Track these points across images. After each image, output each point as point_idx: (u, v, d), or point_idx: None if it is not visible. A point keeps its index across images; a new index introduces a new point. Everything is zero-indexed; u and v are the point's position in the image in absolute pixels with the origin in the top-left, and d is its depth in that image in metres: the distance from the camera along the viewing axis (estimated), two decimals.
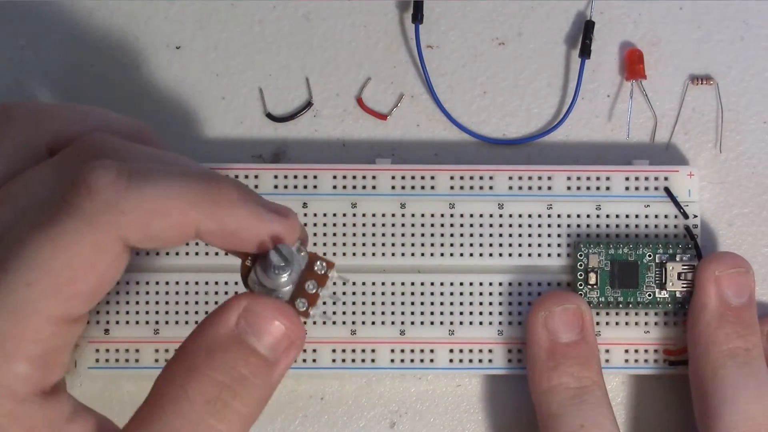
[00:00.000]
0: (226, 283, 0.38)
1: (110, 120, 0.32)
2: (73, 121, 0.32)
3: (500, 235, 0.38)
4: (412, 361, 0.38)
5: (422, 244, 0.38)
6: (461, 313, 0.38)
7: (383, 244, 0.38)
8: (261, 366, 0.28)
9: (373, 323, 0.38)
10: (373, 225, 0.38)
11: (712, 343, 0.36)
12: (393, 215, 0.38)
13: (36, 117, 0.31)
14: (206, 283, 0.38)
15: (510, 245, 0.38)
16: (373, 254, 0.38)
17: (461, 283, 0.38)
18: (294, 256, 0.29)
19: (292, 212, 0.29)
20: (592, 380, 0.36)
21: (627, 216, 0.38)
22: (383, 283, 0.38)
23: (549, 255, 0.38)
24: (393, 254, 0.38)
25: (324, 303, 0.30)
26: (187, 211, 0.28)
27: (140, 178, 0.27)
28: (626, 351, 0.38)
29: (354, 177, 0.38)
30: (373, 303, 0.38)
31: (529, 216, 0.38)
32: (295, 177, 0.38)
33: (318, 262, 0.30)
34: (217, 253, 0.38)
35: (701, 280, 0.36)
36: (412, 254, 0.38)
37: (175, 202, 0.27)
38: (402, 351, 0.38)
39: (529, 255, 0.38)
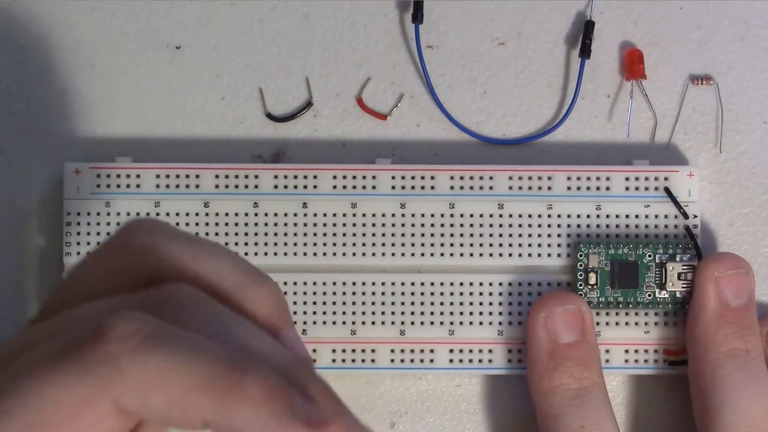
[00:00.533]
0: None
1: (223, 272, 0.27)
2: (184, 262, 0.27)
3: (500, 235, 0.38)
4: (412, 361, 0.38)
5: (422, 244, 0.38)
6: (461, 313, 0.38)
7: (383, 244, 0.38)
8: None
9: (373, 323, 0.38)
10: (373, 225, 0.38)
11: (711, 344, 0.36)
12: (393, 215, 0.38)
13: (155, 249, 0.27)
14: None
15: (510, 245, 0.38)
16: (373, 254, 0.38)
17: (461, 283, 0.38)
18: None
19: (340, 420, 0.25)
20: (592, 381, 0.36)
21: (627, 216, 0.38)
22: (383, 283, 0.38)
23: (549, 255, 0.38)
24: (393, 254, 0.38)
25: None
26: (190, 393, 0.24)
27: (156, 342, 0.24)
28: (626, 351, 0.38)
29: (354, 177, 0.38)
30: (373, 303, 0.38)
31: (529, 216, 0.38)
32: (295, 177, 0.38)
33: None
34: None
35: (701, 281, 0.36)
36: (412, 254, 0.38)
37: (182, 379, 0.24)
38: (402, 351, 0.38)
39: (529, 255, 0.38)
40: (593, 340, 0.36)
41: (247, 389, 0.24)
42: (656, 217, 0.38)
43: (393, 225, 0.38)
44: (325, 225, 0.38)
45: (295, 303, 0.38)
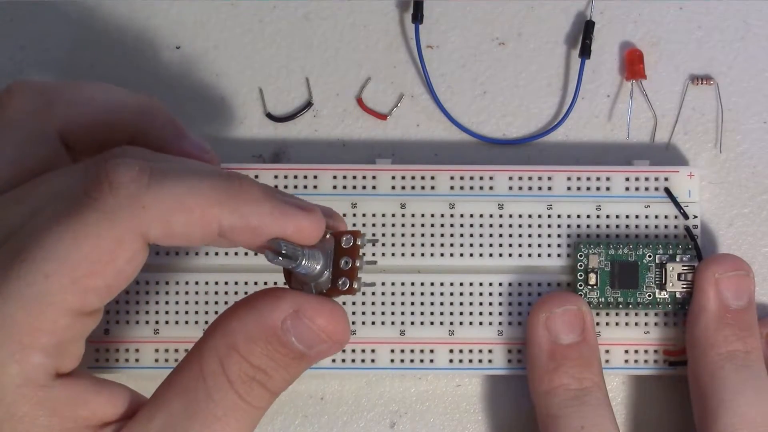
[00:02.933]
0: (226, 283, 0.38)
1: (117, 98, 0.32)
2: (82, 102, 0.31)
3: (500, 236, 0.38)
4: (412, 361, 0.38)
5: (422, 244, 0.38)
6: (461, 313, 0.38)
7: (383, 244, 0.38)
8: (297, 359, 0.29)
9: (373, 323, 0.38)
10: (373, 225, 0.38)
11: (710, 345, 0.36)
12: (393, 215, 0.38)
13: (45, 99, 0.31)
14: (206, 283, 0.38)
15: (510, 245, 0.38)
16: (373, 254, 0.38)
17: (461, 283, 0.38)
18: (294, 250, 0.29)
19: (316, 207, 0.29)
20: (592, 381, 0.36)
21: (627, 216, 0.38)
22: (383, 283, 0.38)
23: (549, 255, 0.38)
24: (393, 254, 0.38)
25: (367, 264, 0.31)
26: (209, 207, 0.28)
27: (162, 175, 0.27)
28: (626, 351, 0.38)
29: (354, 177, 0.38)
30: (373, 303, 0.38)
31: (529, 216, 0.38)
32: (295, 177, 0.38)
33: (344, 238, 0.30)
34: (217, 253, 0.38)
35: (701, 283, 0.36)
36: (412, 254, 0.38)
37: (197, 198, 0.27)
38: (402, 351, 0.38)
39: (529, 255, 0.38)
40: (593, 341, 0.36)
41: (251, 192, 0.28)
42: (656, 217, 0.38)
43: (393, 225, 0.38)
44: None
45: None
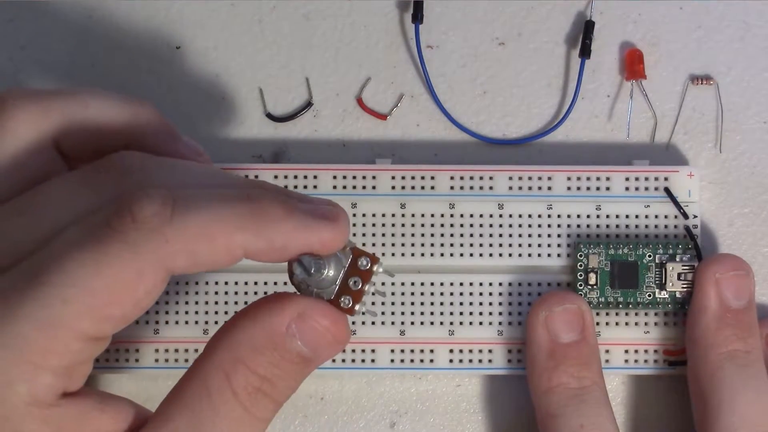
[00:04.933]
0: (226, 283, 0.38)
1: (111, 105, 0.32)
2: (76, 110, 0.31)
3: (500, 235, 0.38)
4: (412, 361, 0.38)
5: (422, 244, 0.38)
6: (461, 313, 0.38)
7: (383, 244, 0.38)
8: (302, 364, 0.29)
9: (374, 323, 0.38)
10: (373, 225, 0.38)
11: (711, 345, 0.36)
12: (393, 215, 0.38)
13: (39, 107, 0.31)
14: (206, 283, 0.38)
15: (510, 245, 0.38)
16: (373, 254, 0.38)
17: (461, 283, 0.38)
18: (318, 264, 0.29)
19: (342, 214, 0.29)
20: (592, 380, 0.36)
21: (627, 216, 0.38)
22: (383, 283, 0.38)
23: (549, 255, 0.38)
24: (393, 254, 0.38)
25: (374, 294, 0.31)
26: (232, 234, 0.28)
27: (185, 206, 0.28)
28: (626, 351, 0.38)
29: (354, 177, 0.38)
30: (373, 303, 0.38)
31: (529, 216, 0.38)
32: (295, 177, 0.38)
33: (362, 258, 0.30)
34: None
35: (701, 282, 0.36)
36: (412, 254, 0.38)
37: (220, 226, 0.28)
38: (402, 351, 0.38)
39: (529, 255, 0.38)
40: (593, 340, 0.36)
41: (272, 211, 0.28)
42: (656, 217, 0.38)
43: (393, 225, 0.38)
44: None
45: None
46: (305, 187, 0.38)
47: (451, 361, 0.38)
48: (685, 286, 0.37)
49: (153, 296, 0.28)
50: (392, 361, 0.38)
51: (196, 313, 0.38)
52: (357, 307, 0.30)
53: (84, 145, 0.31)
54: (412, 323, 0.38)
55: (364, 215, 0.38)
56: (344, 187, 0.38)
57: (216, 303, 0.38)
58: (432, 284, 0.38)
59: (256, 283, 0.38)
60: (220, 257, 0.28)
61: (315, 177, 0.38)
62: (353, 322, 0.38)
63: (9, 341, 0.27)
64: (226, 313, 0.38)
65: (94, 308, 0.27)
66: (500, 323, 0.38)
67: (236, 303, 0.38)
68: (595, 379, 0.36)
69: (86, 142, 0.31)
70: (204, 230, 0.28)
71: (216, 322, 0.38)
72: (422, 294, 0.38)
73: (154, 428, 0.28)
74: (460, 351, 0.38)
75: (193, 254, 0.28)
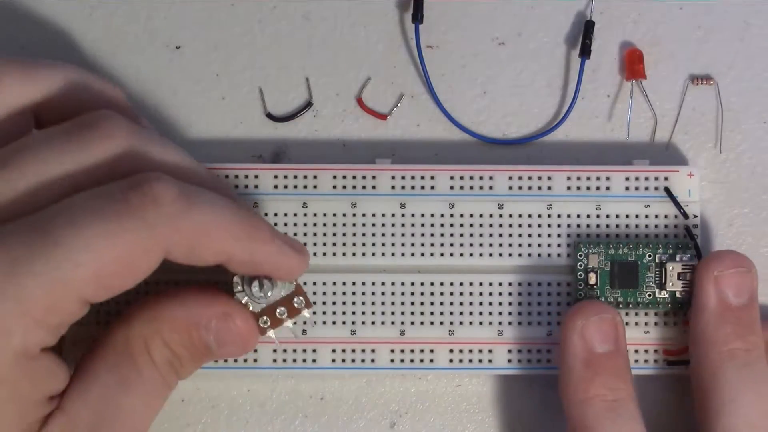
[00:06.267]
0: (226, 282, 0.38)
1: (91, 85, 0.33)
2: (58, 83, 0.33)
3: (500, 235, 0.38)
4: (412, 361, 0.38)
5: (422, 244, 0.38)
6: (461, 313, 0.38)
7: (383, 244, 0.38)
8: (206, 355, 0.33)
9: (373, 323, 0.38)
10: (373, 225, 0.38)
11: (711, 344, 0.35)
12: (393, 215, 0.38)
13: (23, 77, 0.32)
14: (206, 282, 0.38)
15: (510, 245, 0.38)
16: (373, 254, 0.38)
17: (461, 283, 0.38)
18: (270, 283, 0.33)
19: (305, 249, 0.33)
20: (626, 392, 0.35)
21: (627, 216, 0.38)
22: (383, 283, 0.38)
23: (549, 255, 0.38)
24: (393, 254, 0.38)
25: (290, 328, 0.34)
26: (227, 240, 0.31)
27: (196, 202, 0.30)
28: None
29: (354, 177, 0.38)
30: (373, 303, 0.38)
31: (529, 216, 0.38)
32: (295, 177, 0.38)
33: (299, 297, 0.34)
34: None
35: (701, 280, 0.36)
36: (412, 254, 0.38)
37: (221, 231, 0.30)
38: (402, 351, 0.38)
39: (529, 255, 0.38)
40: (625, 351, 0.36)
41: (262, 231, 0.32)
42: (656, 217, 0.38)
43: (393, 225, 0.38)
44: (325, 225, 0.38)
45: None
46: (305, 187, 0.38)
47: (451, 361, 0.38)
48: (685, 285, 0.37)
49: (146, 276, 0.30)
50: (392, 361, 0.38)
51: None
52: (269, 333, 0.34)
53: (61, 116, 0.32)
54: (412, 323, 0.38)
55: (364, 215, 0.38)
56: (344, 187, 0.38)
57: None
58: (432, 284, 0.38)
59: None
60: (206, 258, 0.31)
61: (315, 177, 0.38)
62: (353, 322, 0.38)
63: (13, 293, 0.28)
64: None
65: (101, 276, 0.29)
66: (500, 323, 0.38)
67: None
68: (629, 392, 0.35)
69: (63, 112, 0.32)
70: (208, 230, 0.30)
71: None
72: (422, 294, 0.38)
73: (83, 384, 0.31)
74: (460, 351, 0.38)
75: (190, 248, 0.30)
